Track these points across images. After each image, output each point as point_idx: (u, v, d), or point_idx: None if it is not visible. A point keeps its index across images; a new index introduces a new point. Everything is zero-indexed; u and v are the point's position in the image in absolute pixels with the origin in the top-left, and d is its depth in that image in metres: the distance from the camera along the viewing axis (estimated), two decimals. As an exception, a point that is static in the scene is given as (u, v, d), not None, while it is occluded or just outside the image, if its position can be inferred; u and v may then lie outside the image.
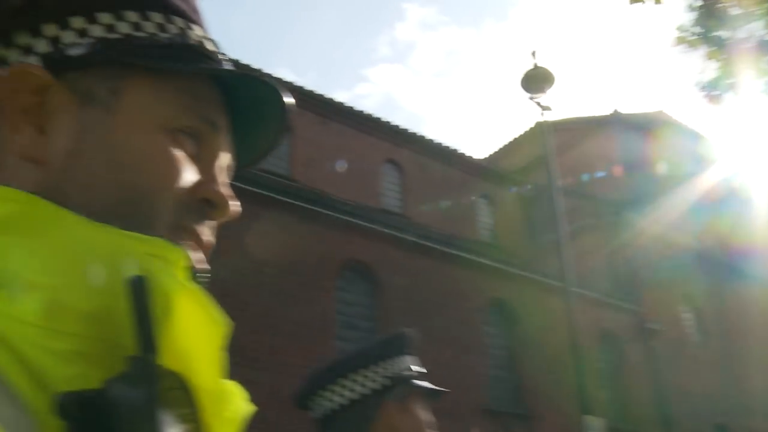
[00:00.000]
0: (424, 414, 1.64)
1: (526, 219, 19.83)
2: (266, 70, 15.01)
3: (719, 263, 19.30)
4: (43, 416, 0.42)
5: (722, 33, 6.08)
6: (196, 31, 0.60)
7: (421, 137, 17.78)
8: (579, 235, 17.91)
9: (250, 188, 10.36)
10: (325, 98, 16.24)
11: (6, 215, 0.47)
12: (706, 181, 19.14)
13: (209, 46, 0.60)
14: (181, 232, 0.54)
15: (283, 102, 0.61)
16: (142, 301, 0.44)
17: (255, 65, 14.01)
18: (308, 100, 15.72)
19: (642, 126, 23.04)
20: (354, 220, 12.36)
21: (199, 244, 0.56)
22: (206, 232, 0.57)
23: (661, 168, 22.22)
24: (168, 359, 0.45)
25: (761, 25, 6.07)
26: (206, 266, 0.57)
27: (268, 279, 10.69)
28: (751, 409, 17.53)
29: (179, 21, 0.59)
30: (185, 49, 0.57)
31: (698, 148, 21.47)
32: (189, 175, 0.56)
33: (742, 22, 6.02)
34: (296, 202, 11.54)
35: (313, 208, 11.83)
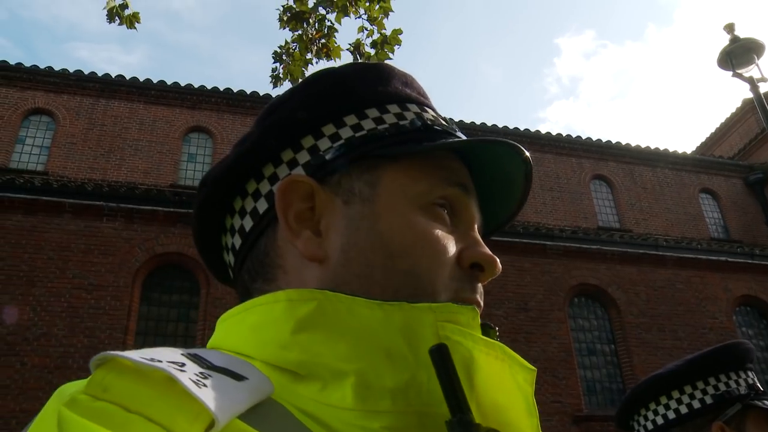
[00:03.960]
0: None
1: (758, 204, 18.22)
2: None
3: None
4: None
5: None
6: (430, 113, 0.65)
7: (624, 145, 17.21)
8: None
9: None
10: (519, 131, 16.35)
11: (309, 313, 0.51)
12: None
13: (444, 123, 0.65)
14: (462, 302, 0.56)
15: (523, 160, 0.63)
16: (446, 366, 0.46)
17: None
18: (501, 136, 15.97)
19: None
20: (574, 245, 12.25)
21: (479, 308, 0.58)
22: (479, 295, 0.59)
23: None
24: (483, 417, 0.49)
25: None
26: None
27: (501, 321, 10.88)
28: None
29: (413, 107, 0.64)
30: (424, 130, 0.62)
31: None
32: (453, 247, 0.58)
33: None
34: (513, 240, 11.69)
35: (531, 241, 11.93)
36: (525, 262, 11.73)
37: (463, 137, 0.63)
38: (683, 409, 1.42)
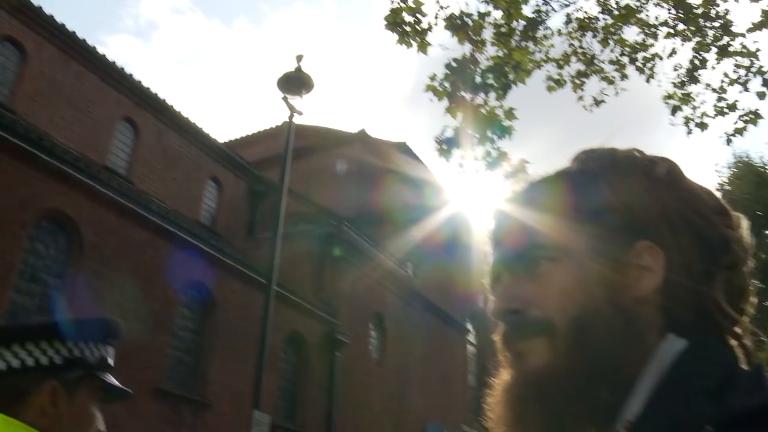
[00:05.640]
0: (93, 409, 1.48)
1: (250, 212, 20.09)
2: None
3: (422, 300, 21.28)
4: None
5: (465, 93, 6.58)
6: None
7: (166, 104, 17.19)
8: (295, 239, 18.61)
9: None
10: (75, 37, 14.99)
11: None
12: (433, 222, 21.20)
13: None
14: None
15: None
16: None
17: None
18: (52, 31, 14.46)
19: (383, 151, 24.63)
20: (70, 171, 11.53)
21: None
22: None
23: (393, 197, 23.92)
24: None
25: (493, 96, 6.75)
26: None
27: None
28: (405, 424, 19.51)
29: None
30: None
31: (431, 187, 23.40)
32: None
33: (481, 89, 6.57)
34: (7, 136, 10.51)
35: (25, 146, 10.84)
36: (8, 162, 10.59)
37: None
38: (25, 360, 1.41)
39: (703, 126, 7.00)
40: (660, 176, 0.77)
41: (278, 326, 14.66)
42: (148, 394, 11.92)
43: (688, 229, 0.74)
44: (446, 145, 6.28)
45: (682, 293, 0.72)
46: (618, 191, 0.76)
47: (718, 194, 0.81)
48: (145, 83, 17.53)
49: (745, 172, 22.20)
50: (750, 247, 0.78)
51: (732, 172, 23.05)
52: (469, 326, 25.44)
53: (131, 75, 16.31)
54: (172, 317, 13.09)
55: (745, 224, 0.79)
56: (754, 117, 6.69)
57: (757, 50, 6.60)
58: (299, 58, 12.86)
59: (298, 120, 12.38)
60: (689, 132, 7.07)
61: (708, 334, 0.70)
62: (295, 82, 12.31)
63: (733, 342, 0.73)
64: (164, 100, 17.09)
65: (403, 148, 26.95)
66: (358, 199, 22.62)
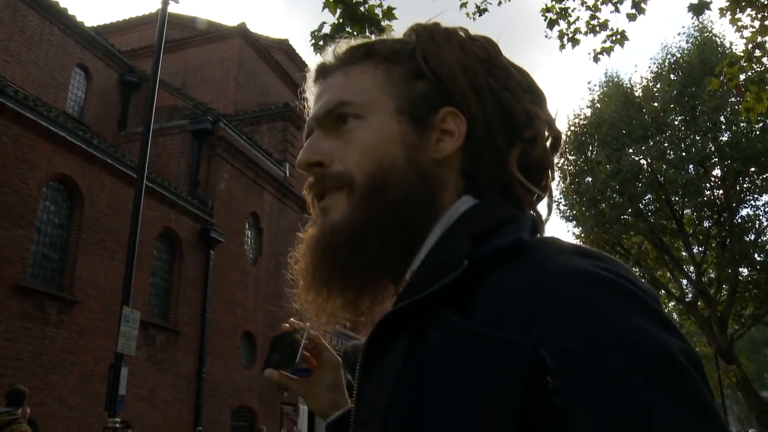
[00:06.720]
0: None
1: (122, 104, 19.07)
2: None
3: (298, 200, 21.26)
4: None
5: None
6: None
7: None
8: (170, 135, 17.96)
9: None
10: None
11: None
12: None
13: None
14: None
15: None
16: None
17: None
18: None
19: (264, 48, 23.86)
20: None
21: None
22: None
23: (273, 96, 23.38)
24: None
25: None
26: None
27: None
28: (279, 323, 19.84)
29: None
30: None
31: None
32: None
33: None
34: None
35: None
36: None
37: None
38: None
39: (575, 42, 7.24)
40: (475, 52, 0.81)
41: (150, 222, 14.33)
42: (9, 291, 11.41)
43: (495, 102, 0.78)
44: (322, 40, 6.19)
45: (482, 159, 0.78)
46: (432, 61, 0.80)
47: (533, 75, 0.85)
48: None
49: (615, 92, 23.27)
50: (555, 127, 0.84)
51: (602, 91, 24.10)
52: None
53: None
54: (35, 211, 12.42)
55: (554, 106, 0.85)
56: (621, 38, 6.98)
57: (631, -30, 6.83)
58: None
59: (174, 9, 11.73)
60: (562, 46, 7.30)
61: (503, 199, 0.77)
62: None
63: (528, 209, 0.79)
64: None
65: (285, 46, 26.25)
66: (236, 95, 21.98)
